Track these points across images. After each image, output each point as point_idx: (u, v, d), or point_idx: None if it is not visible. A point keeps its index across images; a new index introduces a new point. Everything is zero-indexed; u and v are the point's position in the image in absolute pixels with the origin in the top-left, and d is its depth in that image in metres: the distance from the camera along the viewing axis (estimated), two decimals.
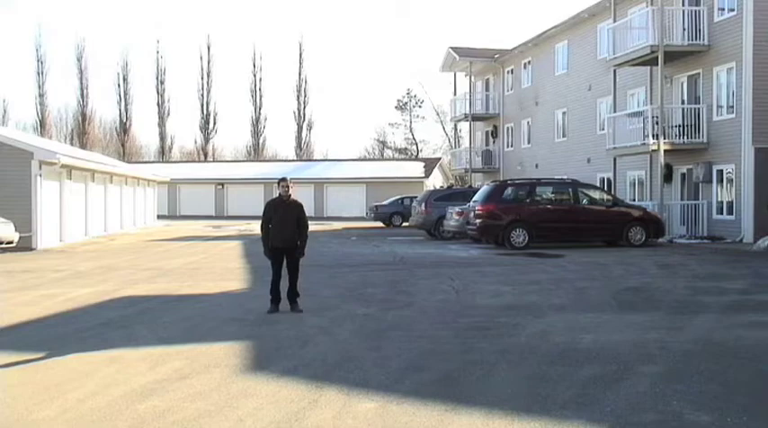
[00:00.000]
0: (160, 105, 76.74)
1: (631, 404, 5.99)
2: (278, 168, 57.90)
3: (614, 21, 27.92)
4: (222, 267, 17.54)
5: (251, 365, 7.56)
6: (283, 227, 10.47)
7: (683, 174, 25.96)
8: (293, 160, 70.38)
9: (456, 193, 29.42)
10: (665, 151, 24.40)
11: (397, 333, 9.09)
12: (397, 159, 69.38)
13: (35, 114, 73.81)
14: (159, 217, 45.48)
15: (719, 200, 24.07)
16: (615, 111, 28.22)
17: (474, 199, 23.40)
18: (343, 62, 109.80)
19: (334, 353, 7.98)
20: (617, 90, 28.59)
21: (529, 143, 38.82)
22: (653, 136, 24.52)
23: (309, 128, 78.26)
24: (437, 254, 20.44)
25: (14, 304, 11.74)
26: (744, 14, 22.72)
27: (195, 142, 79.10)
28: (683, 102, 25.93)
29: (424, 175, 54.35)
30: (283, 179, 10.84)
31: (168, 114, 77.16)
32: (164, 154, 76.64)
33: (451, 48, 43.35)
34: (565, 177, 27.44)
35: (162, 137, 77.37)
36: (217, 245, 25.53)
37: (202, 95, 76.82)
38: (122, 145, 75.49)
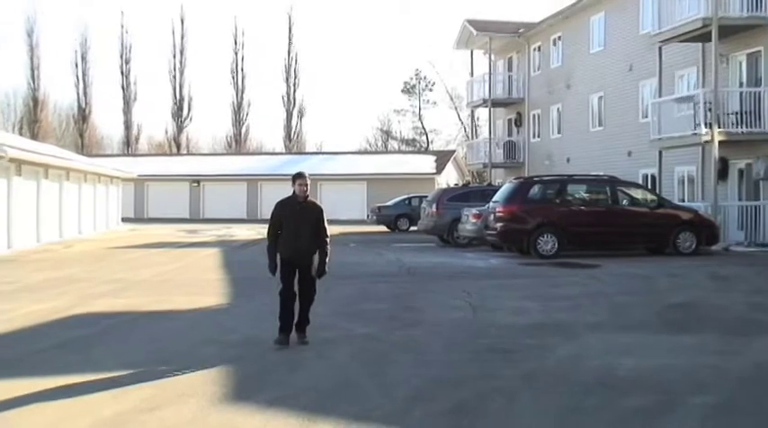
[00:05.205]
0: (125, 88, 77.12)
1: None
2: (263, 162, 58.02)
3: None
4: (198, 279, 17.61)
5: (231, 394, 7.59)
6: (297, 234, 9.68)
7: (741, 170, 25.97)
8: (281, 153, 70.48)
9: (473, 192, 29.44)
10: (719, 142, 24.42)
11: (403, 356, 9.12)
12: (404, 152, 69.50)
13: None
14: (124, 219, 45.60)
15: None
16: (661, 96, 28.24)
17: (494, 199, 23.45)
18: (340, 38, 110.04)
19: (330, 380, 8.01)
20: (663, 71, 28.59)
21: (559, 133, 38.87)
22: (705, 124, 24.54)
23: (300, 115, 78.69)
24: (450, 264, 20.49)
25: None
26: None
27: (166, 132, 79.64)
28: (741, 85, 25.94)
29: (435, 171, 54.45)
30: (300, 175, 9.80)
31: (135, 99, 77.61)
32: (129, 145, 76.90)
33: (468, 21, 43.42)
34: (601, 173, 27.44)
35: (127, 125, 77.68)
36: (191, 252, 25.61)
37: (174, 77, 77.21)
38: (81, 135, 75.81)
